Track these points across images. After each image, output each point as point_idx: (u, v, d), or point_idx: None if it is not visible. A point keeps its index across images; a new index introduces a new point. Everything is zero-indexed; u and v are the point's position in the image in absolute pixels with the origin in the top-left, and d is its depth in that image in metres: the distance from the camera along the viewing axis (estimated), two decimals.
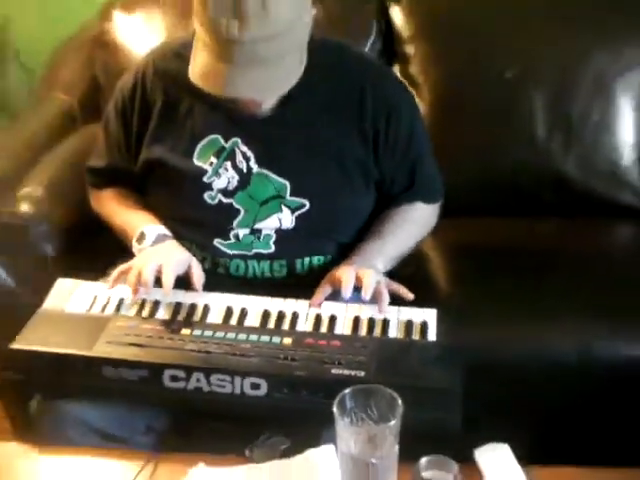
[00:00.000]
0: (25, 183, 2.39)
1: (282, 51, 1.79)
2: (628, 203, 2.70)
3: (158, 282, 1.87)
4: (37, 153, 2.56)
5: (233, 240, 2.01)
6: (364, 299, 1.84)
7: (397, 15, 2.83)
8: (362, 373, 1.68)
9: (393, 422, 1.48)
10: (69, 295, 1.94)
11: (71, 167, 2.47)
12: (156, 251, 1.96)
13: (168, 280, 1.87)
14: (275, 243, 2.00)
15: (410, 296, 1.91)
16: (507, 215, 2.69)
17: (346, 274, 1.88)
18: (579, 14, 2.72)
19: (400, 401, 1.49)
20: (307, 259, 2.02)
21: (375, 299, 1.87)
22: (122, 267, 1.94)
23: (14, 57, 3.34)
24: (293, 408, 1.69)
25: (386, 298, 1.86)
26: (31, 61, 3.31)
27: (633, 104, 2.68)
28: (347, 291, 1.84)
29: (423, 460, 1.51)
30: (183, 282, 1.92)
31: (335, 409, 1.49)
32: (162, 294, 1.88)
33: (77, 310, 1.89)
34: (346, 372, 1.69)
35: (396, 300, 1.90)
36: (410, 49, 2.80)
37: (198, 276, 1.93)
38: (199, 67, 1.83)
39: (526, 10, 2.77)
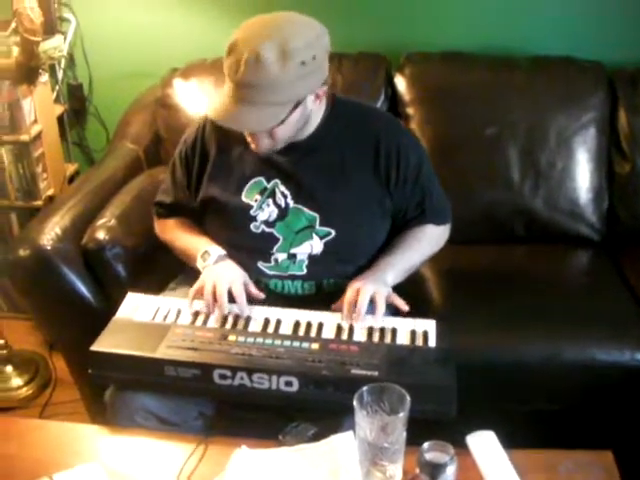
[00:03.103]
0: (102, 215, 2.35)
1: (264, 100, 1.77)
2: (585, 234, 2.68)
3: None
4: (112, 191, 2.53)
5: (273, 263, 1.98)
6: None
7: (400, 83, 2.80)
8: (376, 373, 1.65)
9: (402, 414, 1.47)
10: (137, 306, 1.91)
11: (138, 202, 2.44)
12: (220, 269, 1.93)
13: (241, 295, 1.87)
14: (307, 267, 1.97)
15: (405, 308, 1.88)
16: (486, 243, 2.68)
17: (349, 294, 1.86)
18: (544, 93, 2.71)
19: (408, 397, 1.47)
20: (332, 280, 1.98)
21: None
22: (196, 287, 1.91)
23: (94, 113, 3.30)
24: (319, 401, 1.67)
25: (381, 309, 1.82)
26: (107, 117, 3.27)
27: (588, 156, 2.67)
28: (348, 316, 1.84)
29: (426, 444, 1.47)
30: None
31: (355, 402, 1.47)
32: (237, 307, 1.86)
33: (143, 319, 1.86)
34: (363, 372, 1.66)
35: (402, 313, 1.88)
36: (410, 110, 2.77)
37: (255, 290, 1.92)
38: (214, 101, 1.86)
39: (503, 83, 2.75)
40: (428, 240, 2.08)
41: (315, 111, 1.91)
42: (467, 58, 2.82)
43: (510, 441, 1.62)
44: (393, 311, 1.90)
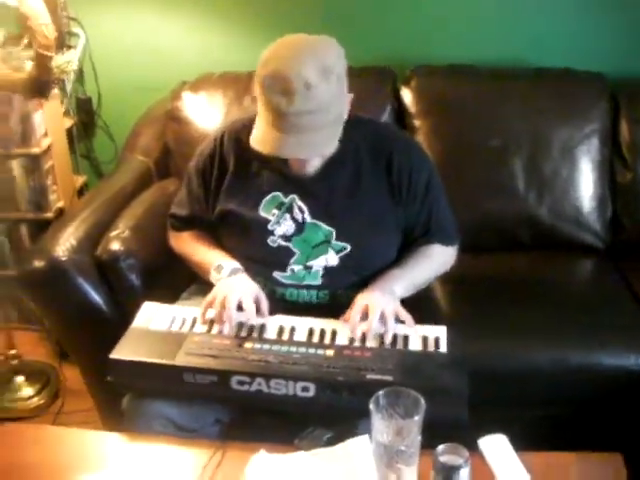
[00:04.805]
0: (115, 226, 2.38)
1: (323, 122, 1.81)
2: (589, 242, 2.72)
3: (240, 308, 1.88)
4: (123, 203, 2.56)
5: (289, 273, 2.00)
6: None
7: (407, 96, 2.84)
8: (390, 377, 1.67)
9: (417, 417, 1.49)
10: (153, 315, 1.93)
11: (150, 213, 2.47)
12: (233, 282, 1.95)
13: (250, 307, 1.88)
14: (322, 277, 2.00)
15: (412, 324, 1.88)
16: (493, 251, 2.71)
17: (356, 312, 1.86)
18: (547, 104, 2.75)
19: (423, 401, 1.49)
20: (346, 290, 1.99)
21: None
22: (208, 299, 1.92)
23: (103, 126, 3.35)
24: (335, 406, 1.69)
25: (390, 327, 1.83)
26: (115, 130, 3.31)
27: (591, 165, 2.71)
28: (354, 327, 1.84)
29: (440, 447, 1.50)
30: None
31: (371, 406, 1.49)
32: (244, 317, 1.88)
33: (159, 328, 1.88)
34: (377, 377, 1.68)
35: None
36: (417, 122, 2.81)
37: (265, 305, 1.93)
38: (257, 134, 1.85)
39: (507, 94, 2.80)
40: (436, 258, 2.10)
41: None
42: (471, 71, 2.87)
43: (521, 444, 1.64)
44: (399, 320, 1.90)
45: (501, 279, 2.55)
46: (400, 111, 2.85)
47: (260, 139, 1.84)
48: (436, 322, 1.91)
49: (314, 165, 1.96)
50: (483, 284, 2.51)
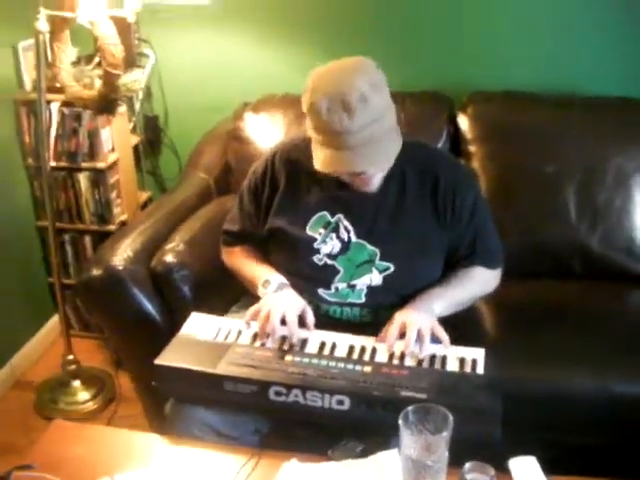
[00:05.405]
0: (171, 239, 2.46)
1: (382, 131, 1.86)
2: None
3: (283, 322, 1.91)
4: (182, 217, 2.64)
5: (333, 291, 2.04)
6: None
7: (463, 122, 2.88)
8: (424, 395, 1.68)
9: (445, 433, 1.50)
10: (200, 326, 1.98)
11: (206, 228, 2.54)
12: (278, 297, 1.98)
13: (293, 322, 1.91)
14: (366, 296, 2.03)
15: (447, 342, 1.89)
16: (542, 277, 2.70)
17: (394, 328, 1.88)
18: (602, 132, 2.75)
19: (451, 417, 1.51)
20: (389, 309, 2.00)
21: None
22: (254, 308, 1.97)
23: (168, 144, 3.45)
24: (369, 420, 1.71)
25: (427, 344, 1.85)
26: (180, 148, 3.41)
27: None
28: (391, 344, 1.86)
29: (467, 465, 1.52)
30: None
31: (400, 421, 1.51)
32: (287, 331, 1.91)
33: (205, 337, 1.93)
34: (411, 394, 1.69)
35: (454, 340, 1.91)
36: (472, 148, 2.84)
37: (310, 319, 1.96)
38: (322, 159, 1.88)
39: (562, 122, 2.80)
40: (478, 280, 2.11)
41: None
42: (527, 97, 2.88)
43: (554, 470, 1.64)
44: (436, 340, 1.91)
45: (549, 306, 2.53)
46: (456, 137, 2.88)
47: (328, 163, 1.88)
48: (478, 344, 1.91)
49: (377, 182, 1.99)
50: (530, 310, 2.50)
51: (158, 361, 1.82)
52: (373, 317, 2.04)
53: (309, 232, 2.05)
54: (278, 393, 1.74)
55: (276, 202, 2.11)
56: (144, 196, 3.46)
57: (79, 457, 1.75)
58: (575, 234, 2.68)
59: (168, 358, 1.83)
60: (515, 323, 2.42)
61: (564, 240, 2.69)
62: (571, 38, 2.95)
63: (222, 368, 1.79)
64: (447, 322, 1.98)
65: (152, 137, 3.46)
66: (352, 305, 2.04)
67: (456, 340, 1.92)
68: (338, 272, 2.03)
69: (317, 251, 2.04)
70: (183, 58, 3.28)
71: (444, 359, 1.85)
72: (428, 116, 2.87)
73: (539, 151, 2.76)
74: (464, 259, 2.10)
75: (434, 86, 2.96)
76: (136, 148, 3.41)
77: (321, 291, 2.04)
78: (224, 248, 2.28)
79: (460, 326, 2.02)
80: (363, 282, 2.02)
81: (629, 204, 2.67)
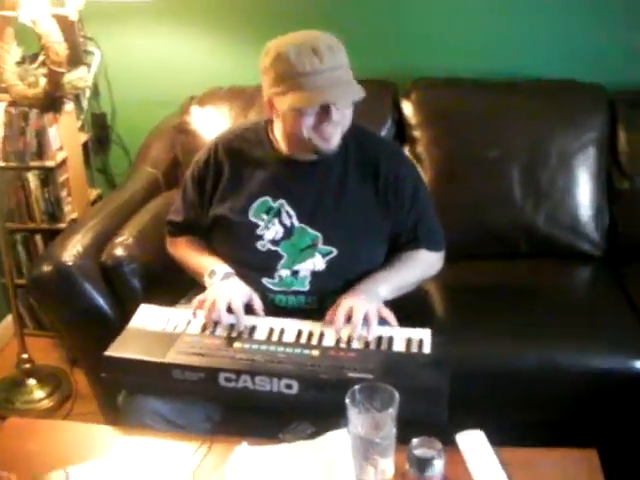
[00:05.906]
0: (120, 233, 2.47)
1: (349, 77, 1.92)
2: (586, 250, 2.73)
3: (229, 310, 1.93)
4: (131, 212, 2.65)
5: (277, 280, 2.05)
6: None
7: (407, 108, 2.90)
8: (371, 376, 1.71)
9: (391, 410, 1.54)
10: (149, 317, 1.99)
11: (155, 222, 2.54)
12: (224, 285, 2.00)
13: (239, 309, 1.92)
14: (310, 283, 2.04)
15: (395, 323, 1.93)
16: (489, 258, 2.72)
17: (341, 312, 1.90)
18: (545, 115, 2.79)
19: (397, 394, 1.54)
20: (334, 295, 2.01)
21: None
22: (200, 297, 1.99)
23: (117, 140, 3.44)
24: (317, 403, 1.73)
25: (373, 326, 1.87)
26: (129, 144, 3.40)
27: (589, 173, 2.72)
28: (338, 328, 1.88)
29: (414, 440, 1.55)
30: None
31: (347, 400, 1.54)
32: (234, 319, 1.92)
33: (155, 328, 1.94)
34: (359, 375, 1.72)
35: (401, 322, 1.94)
36: (417, 134, 2.86)
37: (258, 305, 1.98)
38: (290, 102, 1.89)
39: (505, 106, 2.84)
40: (422, 263, 2.14)
41: None
42: (471, 83, 2.91)
43: (498, 440, 1.68)
44: (383, 322, 1.93)
45: (497, 286, 2.56)
46: (400, 123, 2.90)
47: (297, 101, 1.88)
48: (426, 325, 1.93)
49: (337, 138, 1.98)
50: (479, 291, 2.52)
51: (108, 353, 1.83)
52: (319, 304, 2.05)
53: (251, 218, 2.06)
54: (228, 379, 1.75)
55: (219, 190, 2.12)
56: (94, 193, 3.44)
57: (34, 452, 1.75)
58: (520, 215, 2.71)
59: (117, 349, 1.84)
60: (462, 303, 2.45)
61: (510, 221, 2.72)
62: (511, 22, 2.97)
63: (170, 357, 1.80)
64: (394, 304, 2.00)
65: (101, 134, 3.43)
66: (297, 293, 2.06)
67: (404, 321, 1.94)
68: (281, 257, 2.04)
69: (260, 237, 2.05)
70: (129, 54, 3.26)
71: (391, 340, 1.88)
72: (372, 102, 2.83)
73: (483, 135, 2.79)
74: (408, 243, 2.12)
75: (378, 73, 2.96)
76: (85, 146, 3.38)
77: (265, 280, 2.05)
78: (169, 239, 2.29)
79: (408, 308, 2.04)
80: (306, 267, 2.04)
81: (572, 184, 2.70)
